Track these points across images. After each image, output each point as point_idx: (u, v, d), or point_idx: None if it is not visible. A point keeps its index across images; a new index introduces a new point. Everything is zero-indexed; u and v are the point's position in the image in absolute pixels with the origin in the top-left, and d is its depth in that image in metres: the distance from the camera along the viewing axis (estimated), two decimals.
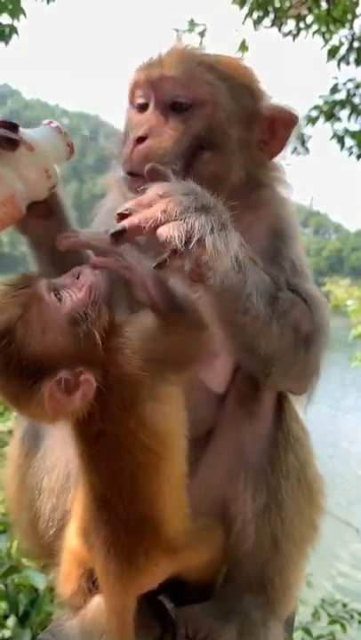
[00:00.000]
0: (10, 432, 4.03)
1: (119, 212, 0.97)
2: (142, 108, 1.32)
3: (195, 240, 0.92)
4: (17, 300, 1.03)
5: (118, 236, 0.94)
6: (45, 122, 1.30)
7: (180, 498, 1.16)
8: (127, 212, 0.96)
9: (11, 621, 2.27)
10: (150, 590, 1.20)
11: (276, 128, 1.32)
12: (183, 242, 0.91)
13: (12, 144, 1.15)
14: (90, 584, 1.22)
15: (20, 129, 1.18)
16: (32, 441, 1.45)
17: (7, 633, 2.20)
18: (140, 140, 1.25)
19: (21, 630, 2.05)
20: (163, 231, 0.92)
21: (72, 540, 1.24)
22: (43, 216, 1.38)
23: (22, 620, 2.13)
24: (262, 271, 1.19)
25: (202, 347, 1.14)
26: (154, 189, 0.98)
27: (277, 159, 1.39)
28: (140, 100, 1.33)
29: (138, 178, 1.23)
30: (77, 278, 1.09)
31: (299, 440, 1.35)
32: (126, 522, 1.10)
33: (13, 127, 1.17)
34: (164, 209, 0.94)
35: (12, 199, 1.18)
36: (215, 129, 1.27)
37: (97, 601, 1.21)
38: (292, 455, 1.32)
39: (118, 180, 1.34)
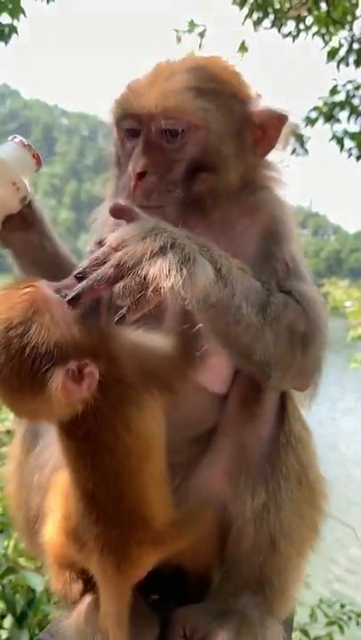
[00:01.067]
0: (8, 432, 4.04)
1: (75, 273, 0.98)
2: (133, 134, 1.32)
3: (150, 289, 0.93)
4: (24, 296, 1.05)
5: (74, 302, 0.95)
6: (9, 138, 1.36)
7: (163, 492, 1.22)
8: (82, 274, 0.97)
9: (8, 622, 2.27)
10: (148, 590, 1.23)
11: (267, 128, 1.32)
12: (137, 297, 0.93)
13: None
14: (80, 582, 1.26)
15: None
16: (31, 439, 1.47)
17: (4, 634, 2.19)
18: (140, 175, 1.26)
19: (19, 631, 2.05)
20: (116, 290, 0.93)
21: (55, 542, 1.27)
22: (21, 228, 1.43)
23: (20, 621, 2.13)
24: (252, 278, 1.20)
25: (185, 379, 1.19)
26: (108, 241, 0.99)
27: (271, 157, 1.39)
28: (130, 127, 1.32)
29: (144, 209, 1.25)
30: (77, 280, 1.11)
31: (301, 441, 1.34)
32: (116, 519, 1.15)
33: None
34: (117, 263, 0.95)
35: None
36: (210, 151, 1.27)
37: (89, 600, 1.23)
38: (293, 456, 1.32)
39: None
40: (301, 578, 1.40)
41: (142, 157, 1.26)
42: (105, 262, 0.96)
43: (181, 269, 0.97)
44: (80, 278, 0.97)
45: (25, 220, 1.43)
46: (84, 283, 0.95)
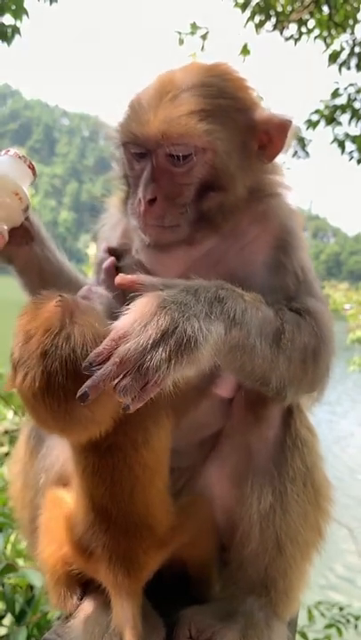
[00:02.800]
0: (6, 432, 4.04)
1: (84, 365, 1.00)
2: (140, 156, 1.32)
3: (151, 383, 0.98)
4: (57, 307, 1.08)
5: (84, 398, 0.98)
6: (3, 152, 1.38)
7: (166, 500, 1.27)
8: (87, 368, 0.99)
9: (7, 621, 2.27)
10: (154, 592, 1.25)
11: (272, 134, 1.32)
12: (139, 390, 0.97)
13: None
14: (74, 597, 1.30)
15: None
16: (36, 440, 1.48)
17: (3, 631, 2.20)
18: (151, 202, 1.27)
19: (17, 628, 2.05)
20: (119, 390, 0.96)
21: (52, 558, 1.29)
22: (24, 242, 1.44)
23: (18, 620, 2.13)
24: (266, 307, 1.22)
25: (196, 403, 1.25)
26: (113, 333, 1.02)
27: (277, 160, 1.39)
28: (137, 150, 1.32)
29: (153, 227, 1.29)
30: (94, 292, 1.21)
31: (307, 444, 1.35)
32: (125, 529, 1.19)
33: None
34: (119, 361, 0.98)
35: None
36: (218, 171, 1.28)
37: (97, 602, 1.25)
38: (300, 459, 1.33)
39: (132, 227, 1.37)
40: (306, 580, 1.40)
41: (151, 183, 1.27)
42: (109, 357, 0.99)
43: (182, 356, 1.01)
44: (86, 370, 0.99)
45: (27, 233, 1.44)
46: (89, 382, 0.97)
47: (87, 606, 1.27)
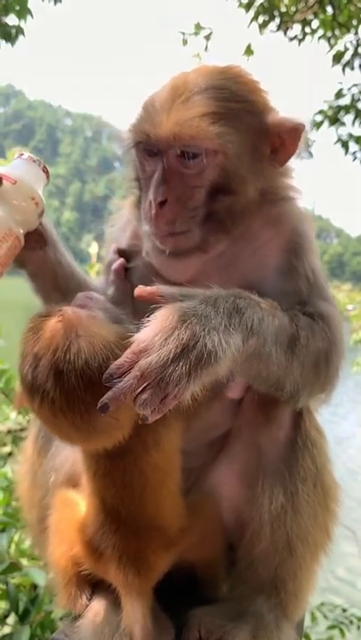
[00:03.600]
0: (9, 432, 4.04)
1: (105, 377, 1.00)
2: (152, 157, 1.32)
3: (171, 397, 0.99)
4: (60, 322, 1.09)
5: (105, 409, 0.99)
6: (17, 155, 1.38)
7: (177, 502, 1.27)
8: (108, 380, 1.00)
9: (10, 620, 2.27)
10: (163, 593, 1.25)
11: (285, 137, 1.31)
12: (159, 403, 0.98)
13: None
14: (84, 598, 1.29)
15: None
16: (45, 439, 1.48)
17: (6, 630, 2.20)
18: (162, 204, 1.27)
19: (20, 627, 2.05)
20: (138, 403, 0.97)
21: (63, 559, 1.29)
22: (38, 246, 1.44)
23: (22, 619, 2.13)
24: (281, 314, 1.24)
25: (207, 406, 1.22)
26: (133, 346, 1.02)
27: (290, 164, 1.38)
28: (148, 152, 1.33)
29: (168, 237, 1.30)
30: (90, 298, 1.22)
31: (316, 445, 1.35)
32: (135, 530, 1.20)
33: None
34: (139, 375, 0.99)
35: (11, 232, 1.26)
36: (228, 174, 1.28)
37: (107, 602, 1.25)
38: (310, 460, 1.33)
39: (143, 233, 1.37)
40: (315, 581, 1.40)
41: (162, 185, 1.27)
42: (129, 370, 0.99)
43: (202, 370, 1.01)
44: (106, 381, 1.00)
45: (41, 237, 1.43)
46: (110, 393, 0.98)
47: (96, 606, 1.27)
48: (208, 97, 1.25)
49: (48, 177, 1.40)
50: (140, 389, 0.97)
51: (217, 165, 1.26)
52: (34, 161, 1.35)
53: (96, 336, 1.08)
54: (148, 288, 1.12)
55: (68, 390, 1.04)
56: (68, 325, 1.08)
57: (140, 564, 1.19)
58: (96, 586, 1.30)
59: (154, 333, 1.02)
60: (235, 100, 1.27)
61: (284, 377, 1.23)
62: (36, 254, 1.45)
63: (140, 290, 1.12)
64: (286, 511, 1.30)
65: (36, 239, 1.41)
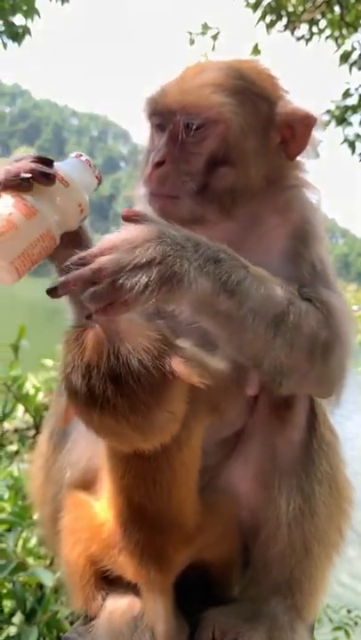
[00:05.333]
0: (16, 431, 4.05)
1: (64, 265, 1.02)
2: (161, 128, 1.35)
3: (119, 301, 0.98)
4: (99, 331, 1.08)
5: (53, 292, 1.00)
6: (74, 154, 1.35)
7: (195, 498, 1.27)
8: (66, 268, 1.01)
9: (16, 619, 2.27)
10: (176, 592, 1.25)
11: (296, 129, 1.32)
12: (105, 304, 0.98)
13: (49, 179, 1.21)
14: (99, 599, 1.29)
15: (55, 163, 1.25)
16: (60, 435, 1.46)
17: (13, 630, 2.20)
18: (158, 164, 1.29)
19: (28, 628, 2.05)
20: (85, 294, 0.98)
21: (80, 559, 1.29)
22: (72, 245, 1.43)
23: (29, 618, 2.14)
24: (275, 286, 1.19)
25: (232, 403, 1.28)
26: (101, 243, 1.02)
27: (301, 158, 1.39)
28: (158, 122, 1.36)
29: (158, 197, 1.30)
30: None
31: (330, 446, 1.34)
32: (159, 525, 1.21)
33: (49, 162, 1.23)
34: (96, 268, 0.98)
35: (50, 233, 1.24)
36: (229, 146, 1.28)
37: (123, 601, 1.25)
38: (325, 461, 1.32)
39: (141, 196, 1.38)
40: (328, 582, 1.40)
41: (163, 149, 1.30)
42: (88, 263, 1.00)
43: (160, 288, 1.00)
44: (66, 271, 1.01)
45: (76, 238, 1.42)
46: (63, 279, 0.99)
47: (111, 606, 1.26)
48: (218, 73, 1.29)
49: (99, 184, 1.38)
50: (93, 283, 0.97)
51: (218, 135, 1.27)
52: (90, 166, 1.34)
53: (139, 336, 1.08)
54: (136, 210, 1.11)
55: (129, 393, 1.04)
56: (109, 331, 1.07)
57: (162, 561, 1.20)
58: (111, 585, 1.29)
59: (125, 238, 1.02)
60: (242, 79, 1.30)
61: (263, 352, 1.18)
62: (67, 252, 1.44)
63: (126, 210, 1.11)
64: (304, 513, 1.29)
65: (71, 239, 1.39)
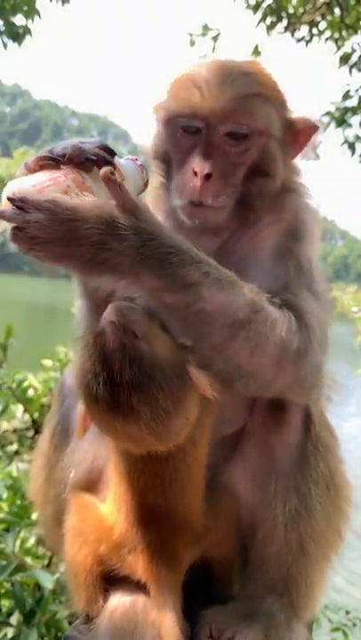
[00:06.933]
0: (15, 431, 4.05)
1: (8, 196, 1.04)
2: (192, 131, 1.31)
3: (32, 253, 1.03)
4: (115, 333, 1.08)
5: None
6: (130, 157, 1.37)
7: (202, 496, 1.29)
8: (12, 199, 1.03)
9: (14, 620, 2.27)
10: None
11: (300, 136, 1.36)
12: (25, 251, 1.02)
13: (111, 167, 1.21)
14: (101, 600, 1.29)
15: (115, 157, 1.27)
16: (62, 435, 1.47)
17: (10, 632, 2.19)
18: (208, 176, 1.26)
19: (28, 629, 2.05)
20: (12, 234, 1.02)
21: (86, 560, 1.29)
22: None
23: (27, 619, 2.13)
24: (245, 293, 1.15)
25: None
26: (55, 196, 1.05)
27: (298, 160, 1.43)
28: (190, 124, 1.31)
29: (201, 208, 1.28)
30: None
31: (328, 447, 1.35)
32: (171, 524, 1.22)
33: (112, 153, 1.27)
34: (32, 216, 1.01)
35: None
36: (268, 156, 1.31)
37: (128, 599, 1.25)
38: (322, 463, 1.33)
39: (175, 206, 1.34)
40: (326, 582, 1.40)
41: (208, 159, 1.27)
42: (26, 210, 1.01)
43: (90, 265, 1.03)
44: (9, 199, 1.03)
45: None
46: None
47: (114, 605, 1.26)
48: (253, 81, 1.30)
49: (144, 190, 1.39)
50: (21, 226, 1.00)
51: (259, 146, 1.30)
52: (142, 170, 1.35)
53: (155, 337, 1.10)
54: (120, 181, 1.09)
55: (152, 401, 1.05)
56: (125, 333, 1.07)
57: (172, 560, 1.21)
58: (113, 585, 1.29)
59: (77, 204, 1.04)
60: (273, 89, 1.33)
61: (214, 352, 1.15)
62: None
63: (106, 170, 1.08)
64: (300, 514, 1.30)
65: None
